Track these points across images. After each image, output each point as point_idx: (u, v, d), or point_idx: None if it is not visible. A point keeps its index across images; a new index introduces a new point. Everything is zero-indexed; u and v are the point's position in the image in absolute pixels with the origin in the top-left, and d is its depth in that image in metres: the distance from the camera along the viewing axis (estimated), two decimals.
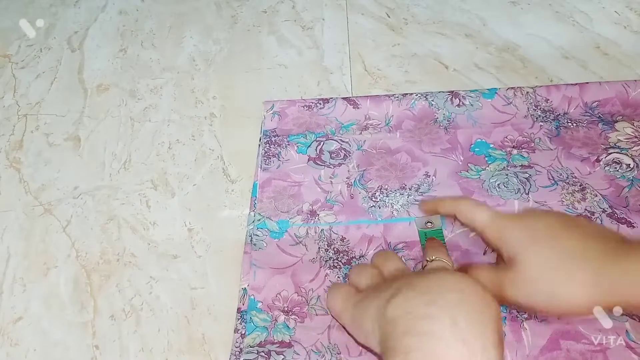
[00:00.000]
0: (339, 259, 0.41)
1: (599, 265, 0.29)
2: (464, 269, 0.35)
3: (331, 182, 0.46)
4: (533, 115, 0.48)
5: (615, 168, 0.44)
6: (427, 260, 0.36)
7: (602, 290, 0.28)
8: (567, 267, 0.30)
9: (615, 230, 0.40)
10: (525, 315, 0.36)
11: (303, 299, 0.39)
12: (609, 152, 0.45)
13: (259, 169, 0.47)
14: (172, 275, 0.43)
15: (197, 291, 0.42)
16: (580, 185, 0.43)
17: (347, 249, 0.42)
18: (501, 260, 0.34)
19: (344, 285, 0.36)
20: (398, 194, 0.44)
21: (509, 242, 0.33)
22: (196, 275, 0.43)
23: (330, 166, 0.47)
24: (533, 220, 0.33)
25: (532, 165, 0.45)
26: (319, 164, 0.47)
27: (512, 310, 0.37)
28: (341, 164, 0.47)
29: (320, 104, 0.51)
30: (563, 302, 0.30)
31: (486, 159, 0.46)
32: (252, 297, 0.39)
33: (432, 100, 0.50)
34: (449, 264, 0.36)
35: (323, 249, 0.42)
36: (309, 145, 0.48)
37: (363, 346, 0.35)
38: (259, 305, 0.39)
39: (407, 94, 0.51)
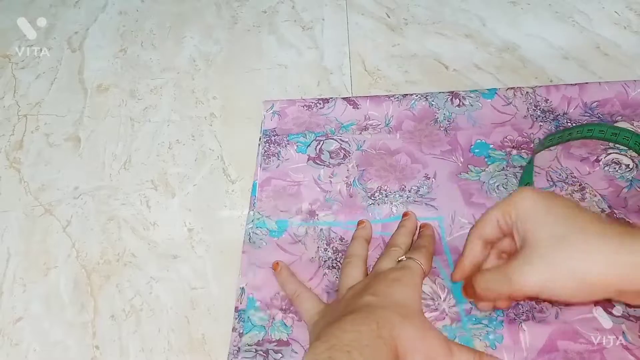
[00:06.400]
0: (338, 259, 0.41)
1: (618, 242, 0.27)
2: (468, 282, 0.35)
3: (330, 182, 0.46)
4: (533, 115, 0.48)
5: (615, 168, 0.44)
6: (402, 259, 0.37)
7: (622, 271, 0.27)
8: (586, 243, 0.28)
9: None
10: (524, 317, 0.36)
11: None
12: (608, 152, 0.45)
13: (259, 168, 0.47)
14: (172, 276, 0.43)
15: (197, 291, 0.42)
16: (579, 185, 0.43)
17: (345, 249, 0.42)
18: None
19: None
20: (397, 195, 0.44)
21: (520, 217, 0.30)
22: (196, 275, 0.43)
23: (330, 166, 0.47)
24: (547, 200, 0.31)
25: None
26: (319, 164, 0.47)
27: (509, 313, 0.36)
28: (340, 163, 0.47)
29: (320, 103, 0.51)
30: (585, 283, 0.27)
31: (486, 160, 0.46)
32: (250, 296, 0.39)
33: (432, 101, 0.50)
34: (423, 266, 0.36)
35: (322, 249, 0.42)
36: (309, 145, 0.49)
37: None
38: (257, 304, 0.39)
39: (407, 94, 0.51)
